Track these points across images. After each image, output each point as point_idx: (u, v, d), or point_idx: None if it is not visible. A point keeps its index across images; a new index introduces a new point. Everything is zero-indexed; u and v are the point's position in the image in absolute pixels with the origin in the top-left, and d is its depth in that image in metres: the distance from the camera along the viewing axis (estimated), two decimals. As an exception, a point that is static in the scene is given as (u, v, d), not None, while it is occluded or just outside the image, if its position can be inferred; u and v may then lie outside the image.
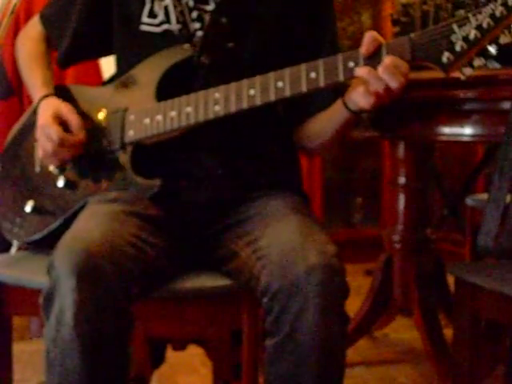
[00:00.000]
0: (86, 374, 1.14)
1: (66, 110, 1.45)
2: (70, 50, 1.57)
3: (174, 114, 1.35)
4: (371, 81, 1.20)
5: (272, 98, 1.27)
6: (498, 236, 1.39)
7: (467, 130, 1.78)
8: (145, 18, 1.44)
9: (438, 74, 1.56)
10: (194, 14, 1.42)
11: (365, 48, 1.21)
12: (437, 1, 1.98)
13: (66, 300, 1.13)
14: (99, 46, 1.58)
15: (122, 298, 1.17)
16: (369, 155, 3.95)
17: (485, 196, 2.19)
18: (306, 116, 1.45)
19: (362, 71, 1.21)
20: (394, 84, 1.19)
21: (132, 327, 1.20)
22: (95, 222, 1.27)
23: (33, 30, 1.62)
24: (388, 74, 1.19)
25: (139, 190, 1.37)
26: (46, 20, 1.60)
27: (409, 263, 2.25)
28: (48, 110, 1.44)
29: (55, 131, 1.40)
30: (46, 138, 1.42)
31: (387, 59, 1.19)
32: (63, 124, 1.43)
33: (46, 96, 1.48)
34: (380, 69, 1.19)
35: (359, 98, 1.24)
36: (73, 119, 1.43)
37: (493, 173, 1.44)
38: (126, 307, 1.19)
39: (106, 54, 1.61)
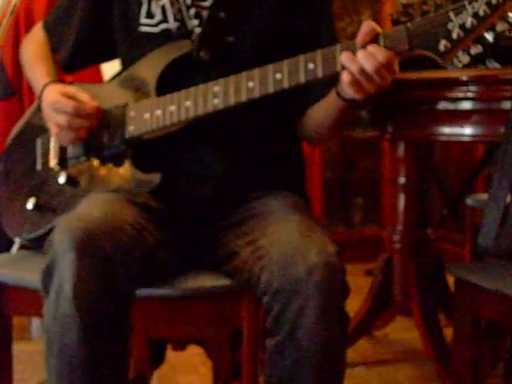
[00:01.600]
0: (84, 349, 1.13)
1: (72, 88, 1.44)
2: (73, 57, 1.57)
3: (173, 108, 1.36)
4: (348, 65, 1.20)
5: (271, 89, 1.27)
6: (498, 236, 1.39)
7: (467, 130, 1.77)
8: (143, 19, 1.44)
9: (437, 74, 1.56)
10: (192, 12, 1.42)
11: (361, 38, 1.21)
12: (437, 1, 1.97)
13: (65, 273, 1.13)
14: (102, 52, 1.58)
15: (121, 275, 1.17)
16: (369, 155, 3.95)
17: (485, 196, 2.19)
18: (304, 107, 1.44)
19: (342, 57, 1.21)
20: (368, 66, 1.18)
21: (133, 309, 1.19)
22: (95, 204, 1.27)
23: (36, 35, 1.62)
24: (364, 56, 1.18)
25: (139, 185, 1.38)
26: (48, 27, 1.60)
27: (409, 263, 2.25)
28: (54, 90, 1.43)
29: (67, 102, 1.39)
30: (58, 113, 1.40)
31: (370, 46, 1.19)
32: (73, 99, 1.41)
33: (50, 83, 1.47)
34: (357, 53, 1.20)
35: (343, 86, 1.24)
36: (81, 93, 1.42)
37: (493, 173, 1.44)
38: (127, 286, 1.19)
39: (109, 59, 1.61)
